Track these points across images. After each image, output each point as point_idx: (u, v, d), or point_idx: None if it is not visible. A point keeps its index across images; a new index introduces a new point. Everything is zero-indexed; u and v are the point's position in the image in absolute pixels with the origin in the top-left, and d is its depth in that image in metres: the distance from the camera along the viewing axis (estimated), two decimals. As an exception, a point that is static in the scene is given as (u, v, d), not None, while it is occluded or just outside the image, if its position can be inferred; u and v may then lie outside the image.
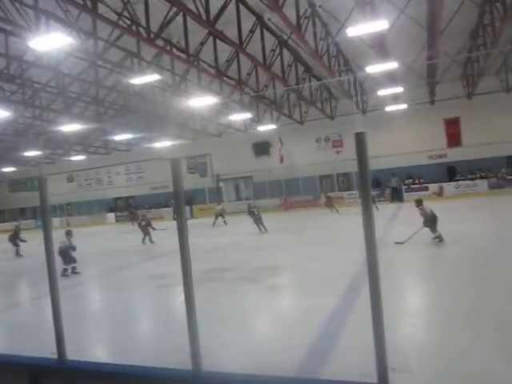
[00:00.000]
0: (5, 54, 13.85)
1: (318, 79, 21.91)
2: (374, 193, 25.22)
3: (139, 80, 15.36)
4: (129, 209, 32.64)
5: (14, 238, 17.17)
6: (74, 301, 8.03)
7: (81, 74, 17.21)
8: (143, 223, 17.60)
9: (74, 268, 11.45)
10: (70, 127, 21.76)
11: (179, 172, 2.41)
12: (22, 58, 14.95)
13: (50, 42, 10.92)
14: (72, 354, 3.18)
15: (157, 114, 24.05)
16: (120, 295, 8.91)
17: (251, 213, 17.93)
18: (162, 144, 30.01)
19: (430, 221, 10.55)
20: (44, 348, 3.53)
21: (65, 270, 11.19)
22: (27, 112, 21.77)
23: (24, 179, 39.50)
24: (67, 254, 11.26)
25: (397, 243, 10.83)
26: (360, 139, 1.93)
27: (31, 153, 31.35)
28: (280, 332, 5.70)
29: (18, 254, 16.84)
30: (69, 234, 11.72)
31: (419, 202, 10.91)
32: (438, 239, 10.53)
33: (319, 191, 29.14)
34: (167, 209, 30.38)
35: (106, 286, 10.61)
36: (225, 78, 17.36)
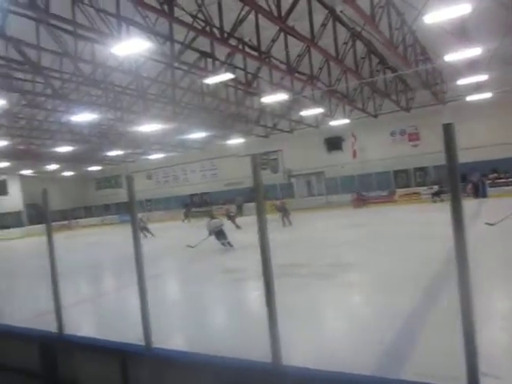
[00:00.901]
0: (91, 60, 14.83)
1: (393, 70, 21.11)
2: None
3: (213, 79, 15.81)
4: (186, 207, 33.77)
5: None
6: (152, 292, 8.44)
7: (158, 77, 18.00)
8: (231, 214, 21.36)
9: (229, 242, 14.06)
10: (149, 127, 22.95)
11: (259, 167, 2.46)
12: (106, 64, 15.91)
13: (131, 47, 11.56)
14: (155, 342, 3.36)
15: (229, 112, 24.63)
16: (198, 288, 9.23)
17: (284, 209, 20.09)
18: (235, 141, 30.62)
19: None
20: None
21: (228, 242, 14.02)
22: (110, 114, 23.25)
23: (108, 177, 42.45)
24: (222, 232, 14.00)
25: (487, 224, 11.30)
26: (448, 130, 1.85)
27: (114, 152, 33.47)
28: (356, 329, 5.60)
29: None
30: (212, 215, 15.06)
31: None
32: None
33: (394, 187, 28.21)
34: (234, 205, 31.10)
35: (183, 278, 11.02)
36: (296, 74, 17.30)
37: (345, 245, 12.90)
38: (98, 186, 44.19)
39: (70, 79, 16.63)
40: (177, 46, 14.02)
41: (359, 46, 17.39)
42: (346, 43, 16.39)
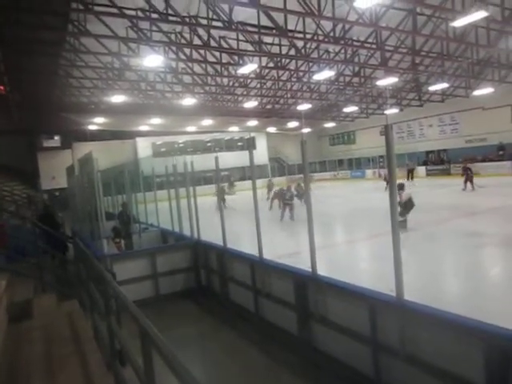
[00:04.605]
0: (331, 17, 15.03)
1: None
2: None
3: (462, 21, 14.10)
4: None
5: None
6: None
7: (398, 26, 17.06)
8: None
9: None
10: (386, 81, 22.31)
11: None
12: (346, 19, 15.88)
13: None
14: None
15: (478, 57, 21.74)
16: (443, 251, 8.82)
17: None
18: (482, 91, 27.02)
19: None
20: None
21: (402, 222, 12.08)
22: (347, 70, 23.48)
23: (342, 133, 43.59)
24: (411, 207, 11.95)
25: None
26: None
27: (348, 109, 33.93)
28: None
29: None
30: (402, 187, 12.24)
31: None
32: None
33: None
34: (485, 163, 27.80)
35: (425, 237, 10.59)
36: None
37: None
38: (332, 141, 45.86)
39: (311, 38, 17.26)
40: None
41: None
42: None
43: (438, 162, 33.13)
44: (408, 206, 11.66)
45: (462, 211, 13.75)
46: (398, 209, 11.59)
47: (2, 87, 17.82)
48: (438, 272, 7.51)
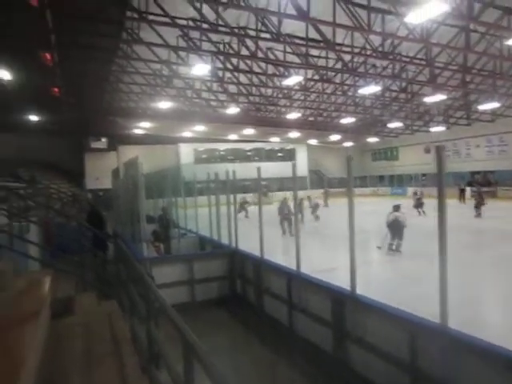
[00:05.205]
0: (381, 32, 14.86)
1: None
2: None
3: (518, 40, 13.63)
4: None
5: None
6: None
7: (450, 42, 16.67)
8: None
9: (399, 245, 11.33)
10: (434, 98, 21.79)
11: None
12: (395, 34, 15.68)
13: (426, 13, 10.99)
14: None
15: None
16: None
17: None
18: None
19: None
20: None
21: (390, 244, 11.41)
22: (394, 85, 23.09)
23: (385, 149, 42.81)
24: (399, 229, 11.29)
25: None
26: None
27: (393, 124, 33.35)
28: None
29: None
30: (397, 208, 11.74)
31: None
32: None
33: None
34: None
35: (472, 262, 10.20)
36: None
37: None
38: (374, 157, 45.15)
39: (359, 53, 17.13)
40: (476, 6, 12.62)
41: None
42: None
43: (485, 183, 31.86)
44: (393, 228, 11.23)
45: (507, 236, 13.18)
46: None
47: (56, 89, 18.66)
48: (478, 298, 7.20)
